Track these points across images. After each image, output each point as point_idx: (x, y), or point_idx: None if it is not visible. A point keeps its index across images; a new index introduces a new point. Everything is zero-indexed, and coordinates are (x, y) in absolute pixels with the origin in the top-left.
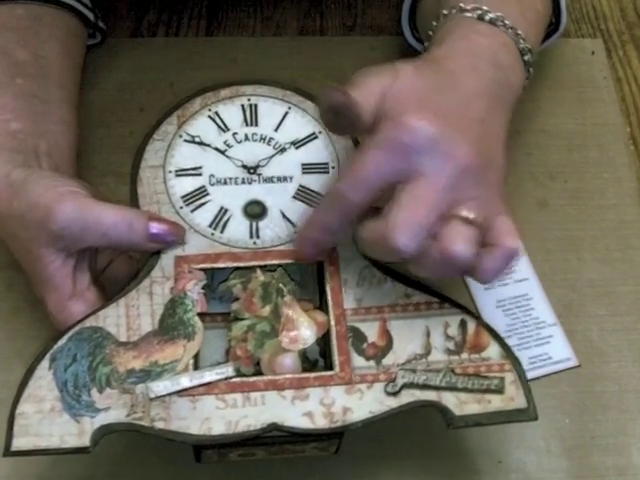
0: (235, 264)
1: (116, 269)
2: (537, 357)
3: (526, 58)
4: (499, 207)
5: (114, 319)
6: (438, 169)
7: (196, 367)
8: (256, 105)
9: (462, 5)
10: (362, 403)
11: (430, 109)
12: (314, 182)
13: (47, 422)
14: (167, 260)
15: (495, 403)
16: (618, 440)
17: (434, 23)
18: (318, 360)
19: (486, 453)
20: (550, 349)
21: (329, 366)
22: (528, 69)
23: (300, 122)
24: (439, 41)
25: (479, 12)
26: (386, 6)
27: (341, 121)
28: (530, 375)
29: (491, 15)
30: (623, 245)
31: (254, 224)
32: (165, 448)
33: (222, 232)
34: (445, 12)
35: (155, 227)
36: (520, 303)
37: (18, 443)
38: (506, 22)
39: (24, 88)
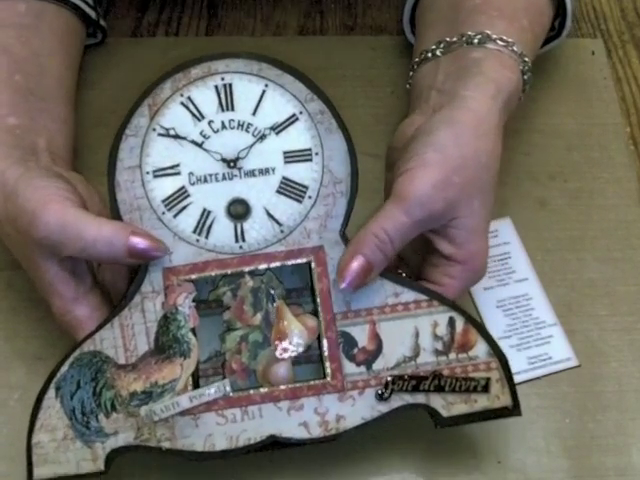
0: (223, 271)
1: (116, 269)
2: (537, 357)
3: (525, 77)
4: None
5: (111, 341)
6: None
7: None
8: (230, 85)
9: (470, 33)
10: (354, 410)
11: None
12: (297, 173)
13: (62, 450)
14: (155, 272)
15: (481, 402)
16: (618, 440)
17: (439, 53)
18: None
19: (486, 453)
20: (550, 349)
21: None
22: (524, 89)
23: (279, 102)
24: (458, 82)
25: (503, 43)
26: (386, 6)
27: None
28: (530, 375)
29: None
30: (623, 245)
31: (239, 226)
32: None
33: (207, 237)
34: (454, 39)
35: (136, 244)
36: (520, 303)
37: (39, 472)
38: (515, 49)
39: (22, 85)
